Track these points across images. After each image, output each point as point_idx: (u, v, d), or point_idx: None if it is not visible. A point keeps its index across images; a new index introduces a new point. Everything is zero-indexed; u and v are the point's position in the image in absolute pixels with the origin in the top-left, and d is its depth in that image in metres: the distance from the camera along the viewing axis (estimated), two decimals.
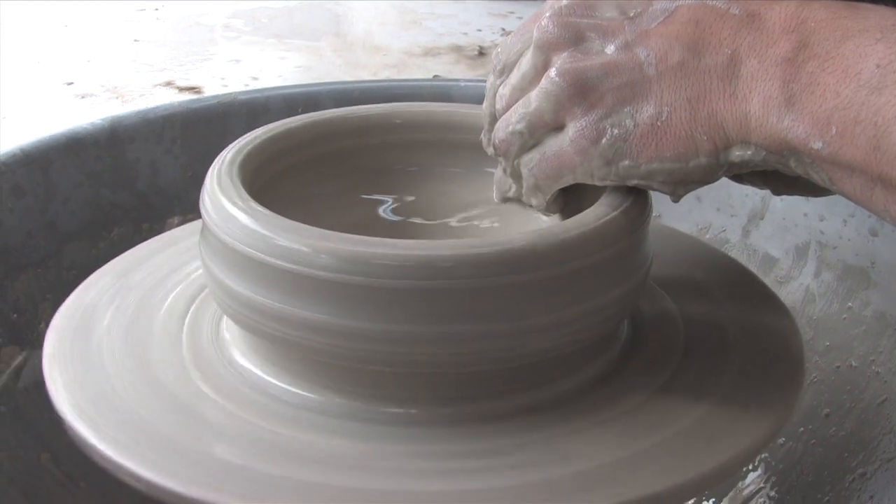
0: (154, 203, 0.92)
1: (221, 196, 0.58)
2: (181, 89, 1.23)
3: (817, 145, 0.51)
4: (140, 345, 0.62)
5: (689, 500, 0.55)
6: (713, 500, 0.82)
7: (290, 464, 0.53)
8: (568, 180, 0.59)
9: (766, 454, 0.80)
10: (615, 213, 0.57)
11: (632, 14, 0.57)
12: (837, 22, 0.52)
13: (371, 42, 1.41)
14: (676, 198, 0.58)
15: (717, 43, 0.54)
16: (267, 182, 0.64)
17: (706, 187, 0.59)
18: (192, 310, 0.66)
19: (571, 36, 0.57)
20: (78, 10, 1.51)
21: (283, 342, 0.56)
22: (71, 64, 1.30)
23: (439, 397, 0.56)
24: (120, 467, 0.53)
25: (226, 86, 1.22)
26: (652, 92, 0.55)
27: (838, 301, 0.82)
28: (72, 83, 1.23)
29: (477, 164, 0.71)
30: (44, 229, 0.87)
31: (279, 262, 0.54)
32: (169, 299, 0.67)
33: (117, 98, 1.19)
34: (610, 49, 0.56)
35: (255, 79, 1.25)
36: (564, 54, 0.57)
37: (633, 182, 0.57)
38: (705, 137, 0.55)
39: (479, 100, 0.76)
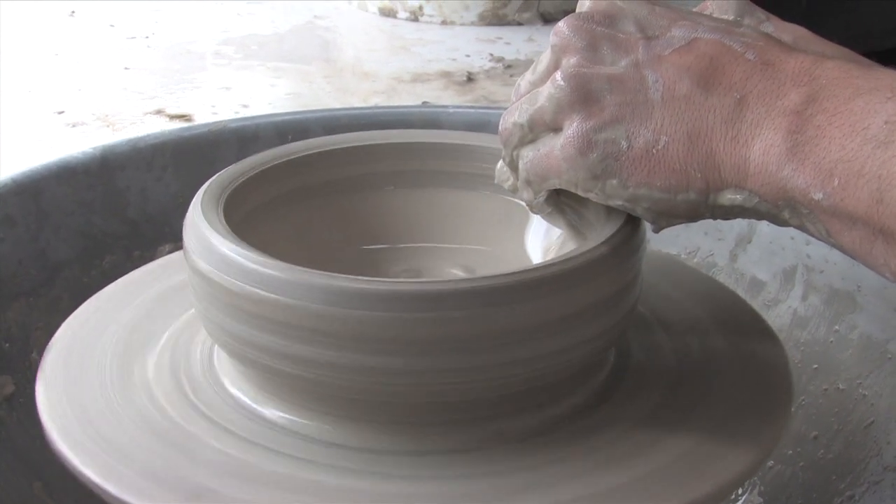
0: (145, 231, 0.93)
1: (202, 228, 0.59)
2: (171, 117, 1.23)
3: (818, 196, 0.51)
4: (132, 370, 0.63)
5: None
6: None
7: (272, 490, 0.54)
8: (554, 183, 0.59)
9: (756, 478, 0.80)
10: (605, 249, 0.57)
11: (650, 34, 0.57)
12: (849, 80, 0.52)
13: (360, 68, 1.42)
14: (657, 228, 0.58)
15: (728, 84, 0.54)
16: (249, 214, 0.65)
17: None
18: (183, 335, 0.66)
19: (585, 42, 0.57)
20: (69, 38, 1.52)
21: (263, 368, 0.57)
22: (62, 92, 1.30)
23: (424, 425, 0.57)
24: (112, 496, 0.54)
25: (216, 113, 1.23)
26: (653, 118, 0.55)
27: (825, 324, 0.83)
28: (63, 112, 1.24)
29: (469, 191, 0.71)
30: (35, 258, 0.87)
31: (253, 293, 0.55)
32: (161, 325, 0.67)
33: (108, 126, 1.19)
34: (620, 64, 0.56)
35: (246, 106, 1.26)
36: (574, 59, 0.57)
37: (617, 203, 0.57)
38: (699, 175, 0.55)
39: (467, 126, 0.76)
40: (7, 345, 0.82)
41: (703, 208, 0.56)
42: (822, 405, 0.79)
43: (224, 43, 1.51)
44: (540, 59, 0.61)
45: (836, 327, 0.82)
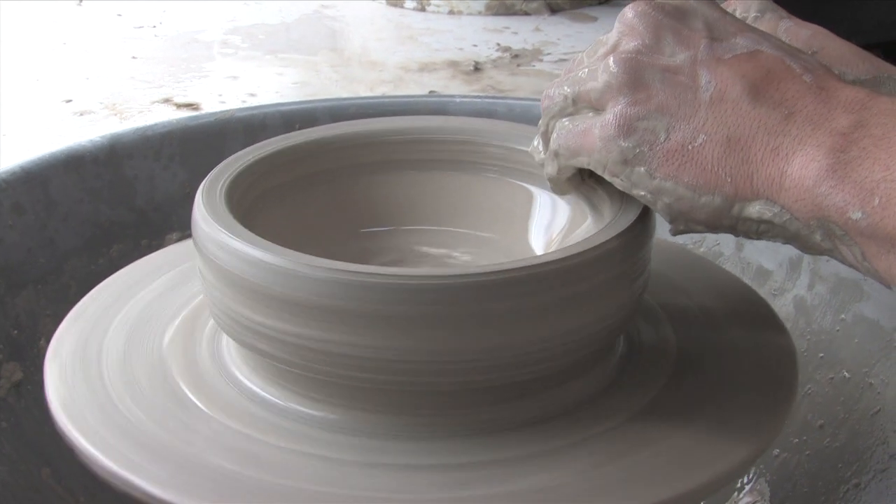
0: (153, 219, 0.93)
1: (207, 215, 0.59)
2: (179, 106, 1.23)
3: (856, 215, 0.50)
4: (140, 358, 0.63)
5: None
6: None
7: (283, 475, 0.54)
8: (582, 161, 0.59)
9: (762, 465, 0.80)
10: (614, 239, 0.57)
11: (714, 35, 0.56)
12: None
13: (367, 58, 1.42)
14: (675, 230, 0.57)
15: (779, 98, 0.54)
16: (255, 200, 0.65)
17: None
18: (191, 323, 0.66)
19: (649, 30, 0.57)
20: (76, 27, 1.52)
21: (269, 356, 0.57)
22: (70, 81, 1.30)
23: (424, 412, 0.57)
24: (124, 480, 0.54)
25: (223, 102, 1.23)
26: (696, 116, 0.55)
27: (831, 313, 0.83)
28: (71, 100, 1.24)
29: (472, 177, 0.71)
30: (44, 246, 0.87)
31: (258, 282, 0.55)
32: (170, 312, 0.67)
33: (116, 115, 1.19)
34: (678, 57, 0.56)
35: (253, 95, 1.26)
36: (634, 44, 0.57)
37: (640, 193, 0.57)
38: (729, 179, 0.54)
39: (474, 114, 0.76)
40: (15, 332, 0.82)
41: (725, 217, 0.55)
42: (828, 394, 0.80)
43: (231, 32, 1.51)
44: (602, 40, 0.60)
45: (843, 316, 0.82)
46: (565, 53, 1.43)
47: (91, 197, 0.91)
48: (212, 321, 0.64)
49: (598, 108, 0.58)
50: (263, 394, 0.60)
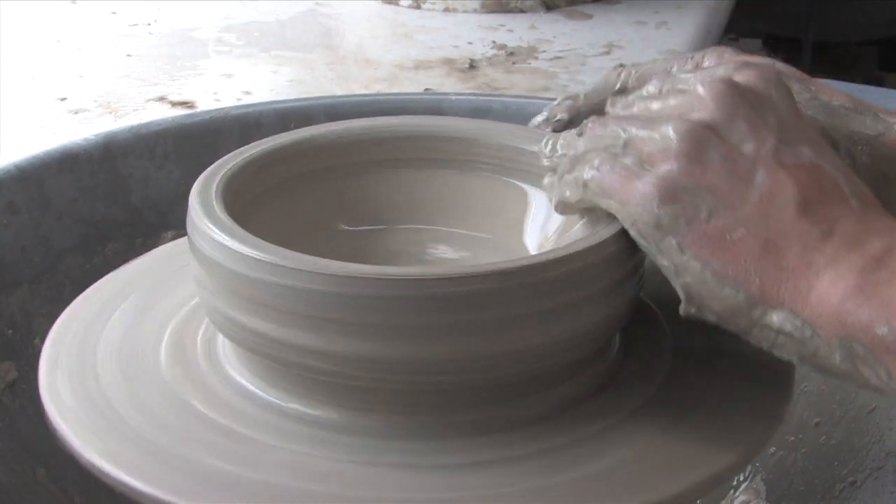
0: (148, 218, 0.93)
1: (202, 213, 0.59)
2: (174, 104, 1.23)
3: (882, 330, 0.50)
4: (136, 358, 0.63)
5: None
6: None
7: (280, 475, 0.54)
8: (611, 206, 0.57)
9: (758, 463, 0.80)
10: (611, 238, 0.57)
11: (783, 137, 0.55)
12: None
13: (363, 55, 1.42)
14: (685, 310, 0.56)
15: (823, 216, 0.53)
16: (251, 199, 0.65)
17: None
18: (187, 321, 0.66)
19: (723, 110, 0.55)
20: (70, 25, 1.52)
21: (263, 354, 0.57)
22: (64, 79, 1.30)
23: (421, 411, 0.57)
24: (119, 480, 0.54)
25: (218, 100, 1.23)
26: (742, 209, 0.53)
27: None
28: (65, 98, 1.24)
29: (467, 176, 0.71)
30: (38, 245, 0.87)
31: (254, 280, 0.55)
32: (166, 311, 0.67)
33: (110, 113, 1.19)
34: (742, 147, 0.55)
35: (248, 93, 1.26)
36: (705, 117, 0.55)
37: (663, 263, 0.55)
38: (757, 280, 0.53)
39: (470, 113, 0.76)
40: (10, 331, 0.82)
41: (743, 316, 0.54)
42: (823, 392, 0.80)
43: (226, 30, 1.51)
44: (674, 83, 0.59)
45: None
46: (560, 51, 1.43)
47: (86, 195, 0.91)
48: (207, 321, 0.64)
49: (647, 161, 0.56)
50: (260, 394, 0.59)
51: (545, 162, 0.63)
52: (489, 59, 1.40)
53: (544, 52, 1.43)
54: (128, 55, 1.40)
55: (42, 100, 1.24)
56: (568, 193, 0.59)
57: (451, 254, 0.70)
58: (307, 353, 0.55)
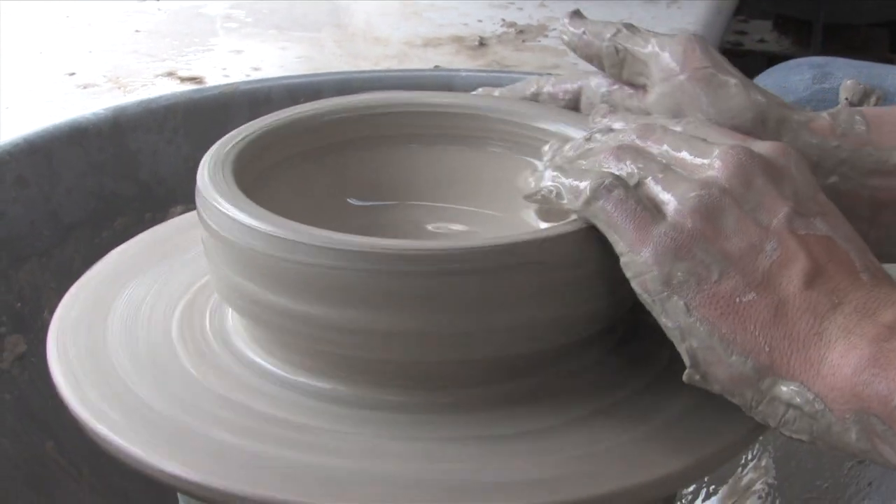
0: (157, 192, 0.93)
1: (211, 187, 0.59)
2: (183, 80, 1.23)
3: None
4: (144, 331, 0.63)
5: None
6: (713, 485, 0.82)
7: (288, 448, 0.54)
8: (614, 241, 0.55)
9: (766, 442, 0.80)
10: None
11: (798, 209, 0.54)
12: None
13: (371, 33, 1.42)
14: (689, 376, 0.54)
15: (833, 288, 0.52)
16: (260, 174, 0.65)
17: None
18: (195, 295, 0.66)
19: (740, 178, 0.54)
20: (79, 1, 1.52)
21: (272, 328, 0.57)
22: (73, 54, 1.30)
23: (425, 386, 0.57)
24: (127, 452, 0.54)
25: (227, 76, 1.23)
26: (753, 274, 0.52)
27: None
28: (74, 73, 1.24)
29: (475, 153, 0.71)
30: (47, 219, 0.87)
31: (262, 254, 0.55)
32: (174, 286, 0.67)
33: (119, 88, 1.19)
34: (757, 215, 0.53)
35: (257, 69, 1.26)
36: (722, 182, 0.54)
37: (668, 324, 0.53)
38: (767, 349, 0.51)
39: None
40: (19, 304, 0.82)
41: (750, 387, 0.52)
42: None
43: (235, 7, 1.50)
44: (694, 138, 0.57)
45: None
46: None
47: (95, 170, 0.91)
48: (216, 295, 0.64)
49: (657, 209, 0.54)
50: (269, 367, 0.59)
51: (548, 156, 0.63)
52: (499, 36, 1.40)
53: (554, 29, 1.43)
54: (136, 31, 1.40)
55: (51, 75, 1.24)
56: (570, 199, 0.57)
57: (459, 229, 0.70)
58: (315, 326, 0.55)
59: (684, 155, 0.56)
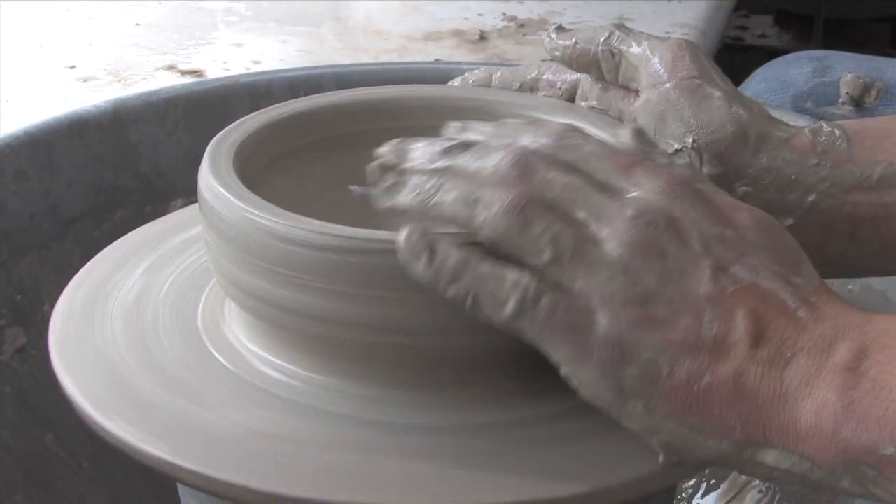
0: (157, 185, 0.93)
1: (213, 179, 0.59)
2: (183, 73, 1.23)
3: (889, 450, 0.46)
4: (145, 324, 0.63)
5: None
6: (713, 480, 0.82)
7: (290, 441, 0.54)
8: (548, 356, 0.51)
9: None
10: None
11: (716, 261, 0.50)
12: None
13: (372, 27, 1.42)
14: (664, 463, 0.52)
15: (779, 340, 0.49)
16: (262, 167, 0.65)
17: None
18: (195, 288, 0.66)
19: (654, 255, 0.50)
20: None
21: (272, 321, 0.57)
22: (73, 48, 1.30)
23: (428, 380, 0.57)
24: (127, 444, 0.54)
25: (228, 69, 1.23)
26: (700, 354, 0.49)
27: (838, 284, 0.82)
28: (74, 66, 1.23)
29: None
30: (47, 212, 0.87)
31: (265, 246, 0.55)
32: (171, 279, 0.67)
33: (120, 81, 1.19)
34: (685, 291, 0.50)
35: (257, 62, 1.25)
36: (640, 267, 0.50)
37: (633, 426, 0.51)
38: (739, 426, 0.49)
39: (480, 84, 0.75)
40: (19, 297, 0.82)
41: (731, 460, 0.50)
42: None
43: (235, 0, 1.50)
44: (588, 189, 0.51)
45: (850, 286, 0.82)
46: (571, 23, 1.42)
47: (95, 162, 0.90)
48: (213, 286, 0.64)
49: (589, 316, 0.50)
50: (268, 357, 0.59)
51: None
52: (499, 30, 1.40)
53: (555, 23, 1.42)
54: (137, 24, 1.40)
55: (51, 68, 1.24)
56: (483, 310, 0.51)
57: None
58: (316, 319, 0.55)
59: (582, 216, 0.51)
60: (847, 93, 1.00)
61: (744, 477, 0.81)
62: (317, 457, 0.53)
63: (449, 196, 0.52)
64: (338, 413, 0.56)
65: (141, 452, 0.54)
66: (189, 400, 0.57)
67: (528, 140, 0.54)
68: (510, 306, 0.50)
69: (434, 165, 0.54)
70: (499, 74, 0.72)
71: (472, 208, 0.51)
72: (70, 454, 0.77)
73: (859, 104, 0.99)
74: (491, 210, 0.51)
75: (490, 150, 0.53)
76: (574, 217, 0.51)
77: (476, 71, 0.73)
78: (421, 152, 0.55)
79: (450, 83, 0.73)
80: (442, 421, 0.56)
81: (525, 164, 0.52)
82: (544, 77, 0.70)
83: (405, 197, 0.54)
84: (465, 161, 0.53)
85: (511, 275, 0.50)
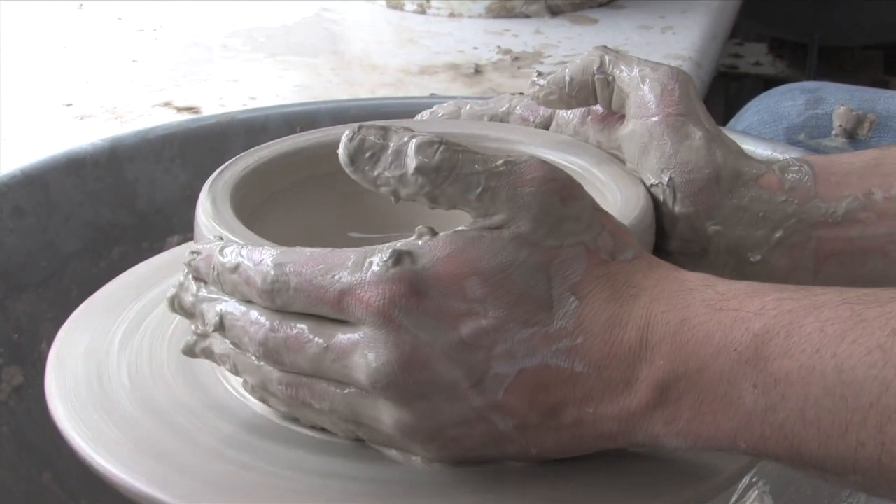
0: (154, 222, 0.93)
1: (211, 217, 0.59)
2: (180, 109, 1.23)
3: (742, 446, 0.48)
4: (143, 362, 0.63)
5: None
6: None
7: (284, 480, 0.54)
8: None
9: (763, 471, 0.80)
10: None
11: (474, 379, 0.50)
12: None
13: (368, 60, 1.42)
14: None
15: (570, 401, 0.50)
16: (259, 203, 0.65)
17: None
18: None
19: (417, 395, 0.50)
20: (77, 31, 1.52)
21: None
22: (70, 85, 1.30)
23: None
24: (125, 484, 0.54)
25: (224, 105, 1.23)
26: (514, 441, 0.51)
27: None
28: (71, 104, 1.24)
29: None
30: (45, 249, 0.87)
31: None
32: (172, 315, 0.67)
33: (116, 118, 1.19)
34: (460, 413, 0.51)
35: (253, 98, 1.26)
36: (409, 417, 0.51)
37: None
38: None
39: (476, 118, 0.76)
40: (16, 336, 0.82)
41: None
42: None
43: (232, 35, 1.51)
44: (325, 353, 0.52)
45: None
46: (566, 56, 1.43)
47: (92, 200, 0.91)
48: None
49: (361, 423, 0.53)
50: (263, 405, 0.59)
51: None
52: (494, 63, 1.40)
53: (549, 56, 1.43)
54: (133, 61, 1.41)
55: (48, 105, 1.24)
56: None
57: None
58: None
59: (326, 406, 0.53)
60: (840, 125, 1.00)
61: (744, 480, 0.80)
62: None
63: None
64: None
65: (141, 495, 0.54)
66: (190, 442, 0.57)
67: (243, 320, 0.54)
68: None
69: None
70: (468, 108, 0.72)
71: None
72: (68, 492, 0.77)
73: (852, 136, 1.00)
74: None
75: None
76: (321, 408, 0.53)
77: (445, 104, 0.74)
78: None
79: (417, 117, 0.73)
80: None
81: (265, 354, 0.54)
82: (516, 112, 0.71)
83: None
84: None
85: None
